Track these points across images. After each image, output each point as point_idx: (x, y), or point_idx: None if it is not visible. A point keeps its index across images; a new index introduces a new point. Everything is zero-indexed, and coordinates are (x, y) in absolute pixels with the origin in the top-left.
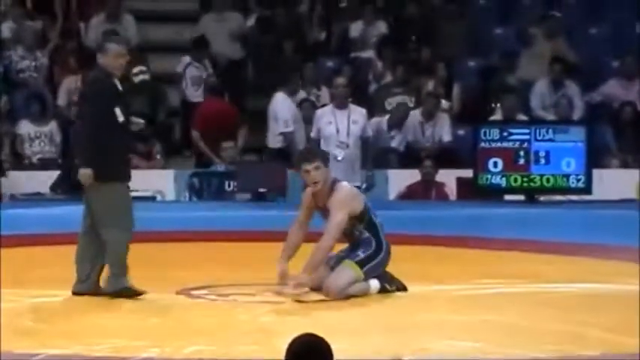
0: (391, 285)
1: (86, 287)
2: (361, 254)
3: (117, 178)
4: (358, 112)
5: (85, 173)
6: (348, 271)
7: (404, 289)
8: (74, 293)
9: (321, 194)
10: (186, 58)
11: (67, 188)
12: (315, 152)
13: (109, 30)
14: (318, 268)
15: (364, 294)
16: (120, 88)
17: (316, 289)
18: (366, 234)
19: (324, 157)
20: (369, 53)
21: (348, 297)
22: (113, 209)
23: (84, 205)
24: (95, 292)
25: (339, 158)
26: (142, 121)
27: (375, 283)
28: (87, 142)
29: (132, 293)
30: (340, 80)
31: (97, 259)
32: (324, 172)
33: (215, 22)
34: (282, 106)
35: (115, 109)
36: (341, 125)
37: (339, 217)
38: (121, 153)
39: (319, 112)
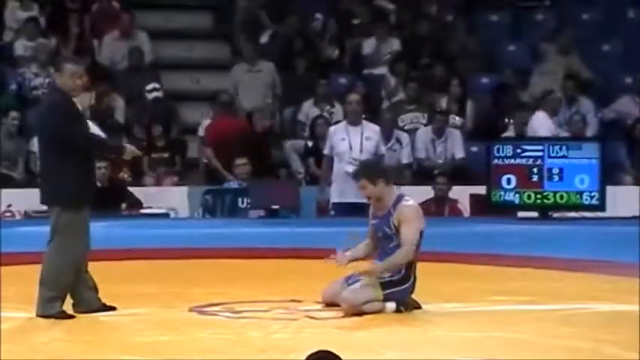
0: (407, 307)
1: (89, 305)
2: (387, 277)
3: (78, 204)
4: (371, 129)
5: (131, 150)
6: (369, 289)
7: (418, 307)
8: (78, 312)
9: (380, 206)
10: (208, 120)
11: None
12: (363, 172)
13: (133, 48)
14: (386, 271)
15: (378, 313)
16: (79, 107)
17: (330, 305)
18: None
19: (376, 175)
20: (382, 70)
21: (362, 314)
22: (64, 234)
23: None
24: (100, 308)
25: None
26: (102, 134)
27: (391, 305)
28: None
29: (63, 316)
30: (353, 97)
31: (85, 277)
32: (372, 190)
33: (246, 73)
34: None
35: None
36: (354, 142)
37: (412, 231)
38: (84, 177)
39: (332, 128)
